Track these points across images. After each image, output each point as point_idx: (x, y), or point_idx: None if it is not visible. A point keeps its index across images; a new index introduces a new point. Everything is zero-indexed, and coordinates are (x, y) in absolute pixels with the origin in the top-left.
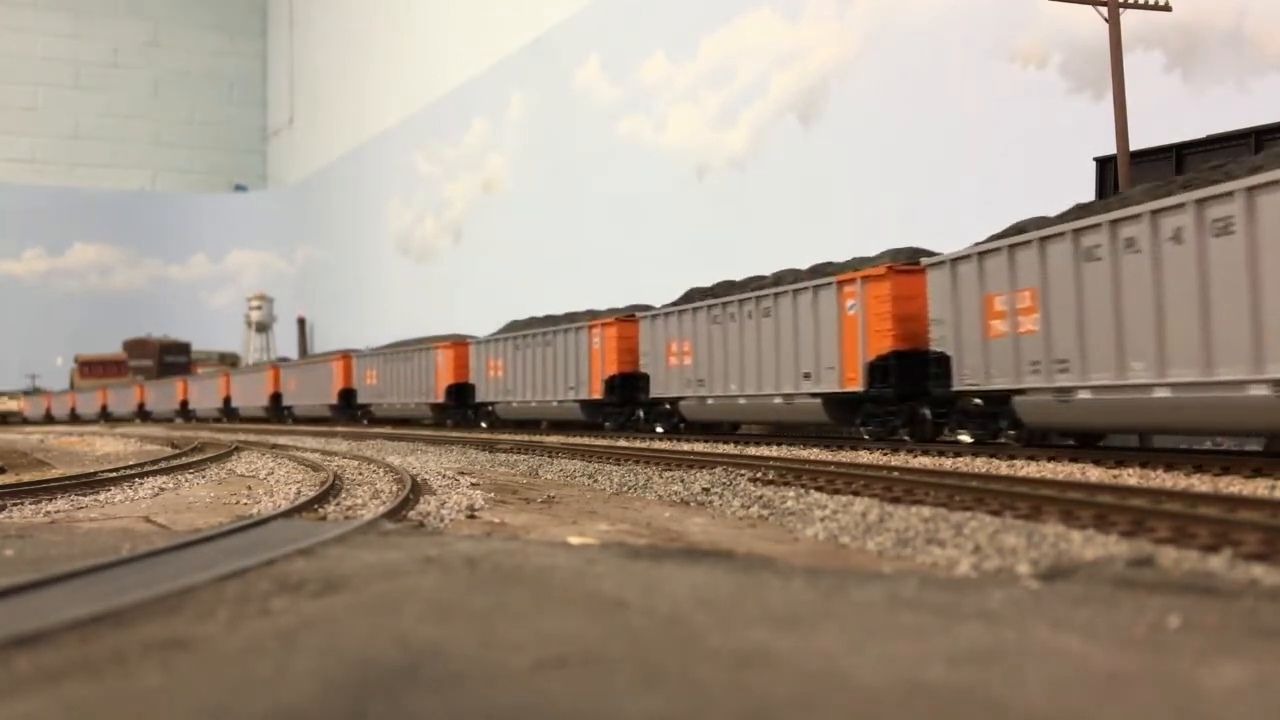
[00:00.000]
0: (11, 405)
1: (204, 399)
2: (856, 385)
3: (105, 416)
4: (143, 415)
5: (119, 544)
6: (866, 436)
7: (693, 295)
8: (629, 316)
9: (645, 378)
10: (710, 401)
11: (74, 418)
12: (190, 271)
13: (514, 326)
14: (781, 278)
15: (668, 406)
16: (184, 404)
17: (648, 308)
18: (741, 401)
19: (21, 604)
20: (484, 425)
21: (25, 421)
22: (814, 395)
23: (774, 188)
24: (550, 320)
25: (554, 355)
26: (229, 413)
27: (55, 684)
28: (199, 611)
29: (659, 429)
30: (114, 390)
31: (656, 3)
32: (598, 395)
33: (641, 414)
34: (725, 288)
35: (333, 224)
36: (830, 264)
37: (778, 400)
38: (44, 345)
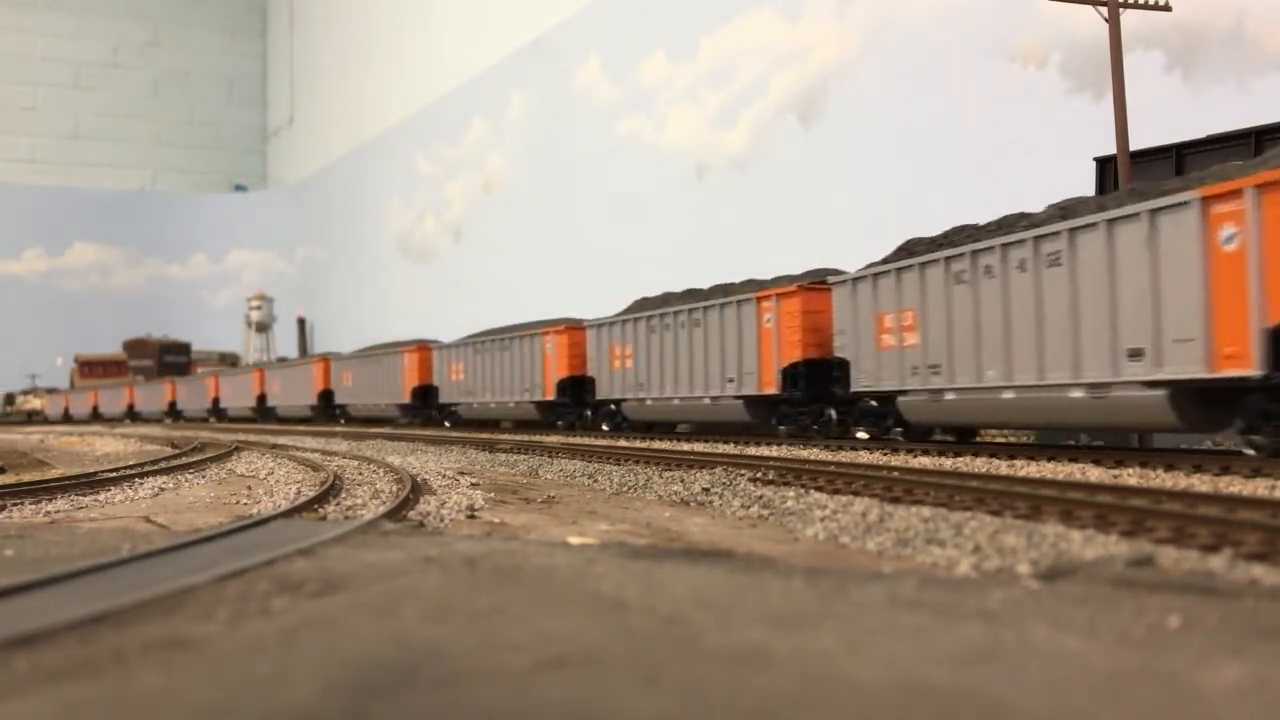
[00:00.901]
0: (35, 404)
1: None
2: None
3: (132, 416)
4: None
5: (119, 544)
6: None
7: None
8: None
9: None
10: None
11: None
12: (190, 271)
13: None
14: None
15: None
16: (214, 404)
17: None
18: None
19: (21, 604)
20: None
21: (46, 420)
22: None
23: (774, 188)
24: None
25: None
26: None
27: (55, 684)
28: (199, 611)
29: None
30: (140, 389)
31: (656, 3)
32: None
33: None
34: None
35: (333, 224)
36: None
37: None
38: (44, 345)
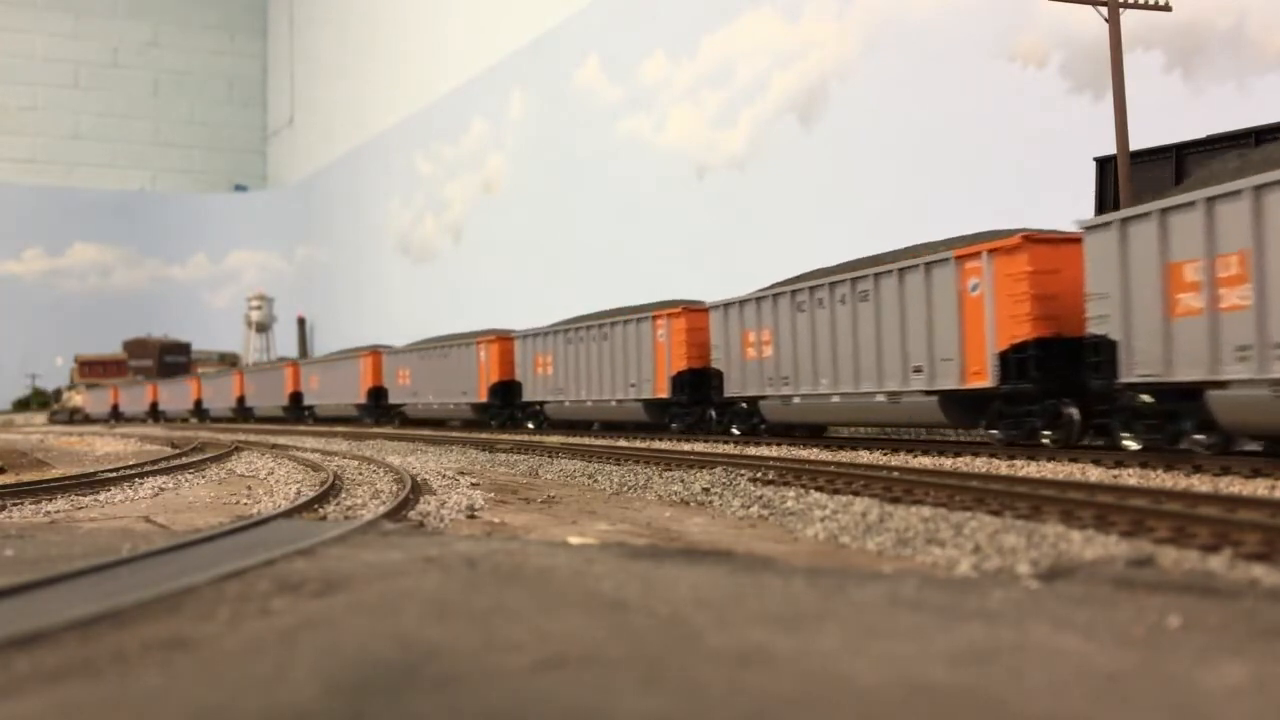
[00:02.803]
0: (77, 400)
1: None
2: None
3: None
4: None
5: (119, 544)
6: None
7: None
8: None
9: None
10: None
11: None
12: (190, 271)
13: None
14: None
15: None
16: (294, 398)
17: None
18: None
19: (21, 604)
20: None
21: (89, 419)
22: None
23: (774, 188)
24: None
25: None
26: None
27: (55, 684)
28: (199, 611)
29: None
30: (208, 381)
31: (656, 3)
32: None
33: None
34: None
35: (333, 224)
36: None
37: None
38: (44, 345)
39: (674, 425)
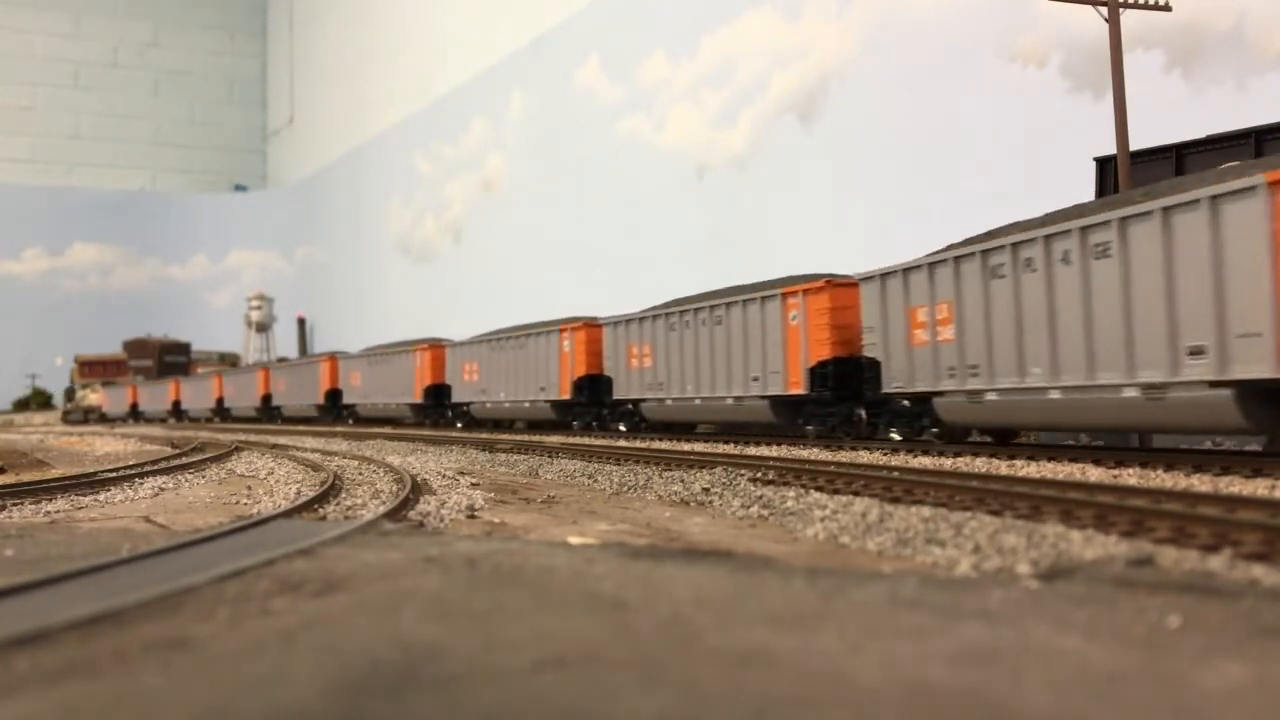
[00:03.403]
0: (93, 399)
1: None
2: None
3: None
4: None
5: (119, 544)
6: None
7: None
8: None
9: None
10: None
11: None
12: (190, 271)
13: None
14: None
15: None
16: (328, 396)
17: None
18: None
19: (21, 604)
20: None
21: (104, 418)
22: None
23: (774, 188)
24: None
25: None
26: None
27: (55, 684)
28: (199, 611)
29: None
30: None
31: (656, 3)
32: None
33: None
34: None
35: (333, 224)
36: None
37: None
38: (44, 345)
39: (809, 428)
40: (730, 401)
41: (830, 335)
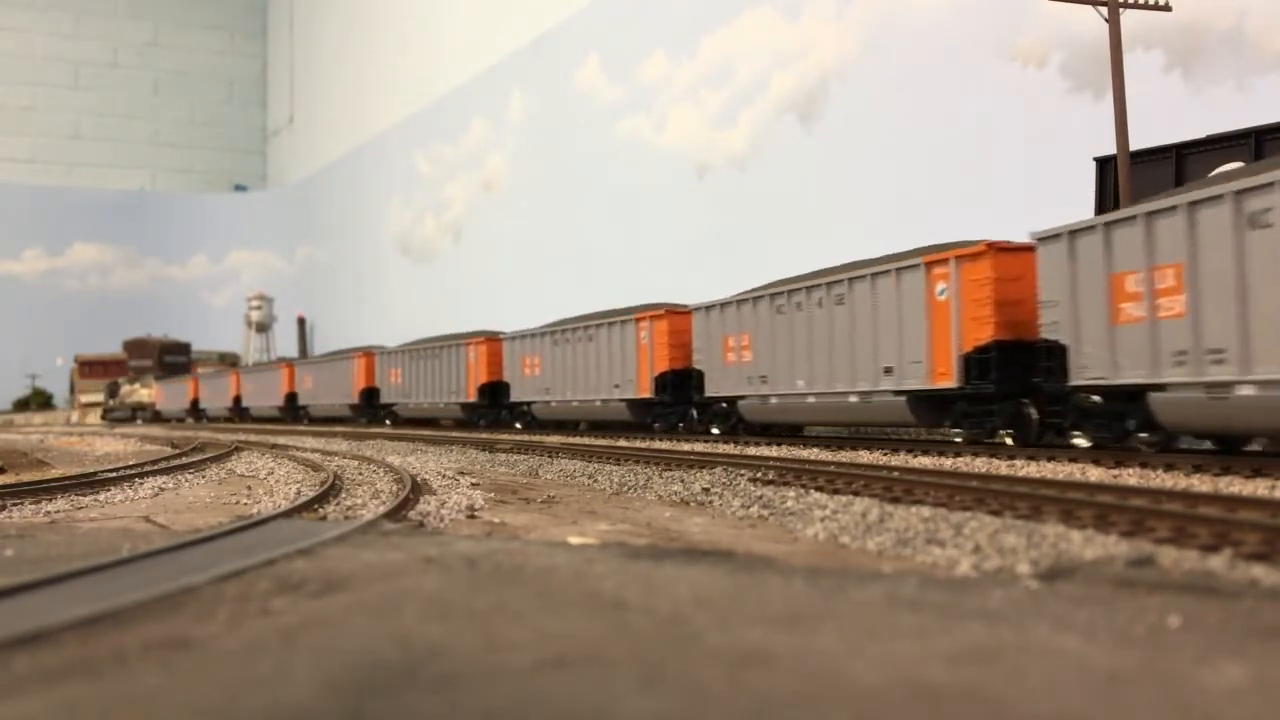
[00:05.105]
0: (144, 395)
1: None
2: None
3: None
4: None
5: (119, 544)
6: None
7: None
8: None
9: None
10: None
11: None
12: (190, 271)
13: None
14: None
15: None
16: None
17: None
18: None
19: (21, 604)
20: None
21: (157, 416)
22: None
23: (774, 188)
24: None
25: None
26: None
27: (55, 684)
28: (199, 611)
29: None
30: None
31: (656, 3)
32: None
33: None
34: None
35: (333, 224)
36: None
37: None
38: (44, 345)
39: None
40: (854, 399)
41: (993, 313)
